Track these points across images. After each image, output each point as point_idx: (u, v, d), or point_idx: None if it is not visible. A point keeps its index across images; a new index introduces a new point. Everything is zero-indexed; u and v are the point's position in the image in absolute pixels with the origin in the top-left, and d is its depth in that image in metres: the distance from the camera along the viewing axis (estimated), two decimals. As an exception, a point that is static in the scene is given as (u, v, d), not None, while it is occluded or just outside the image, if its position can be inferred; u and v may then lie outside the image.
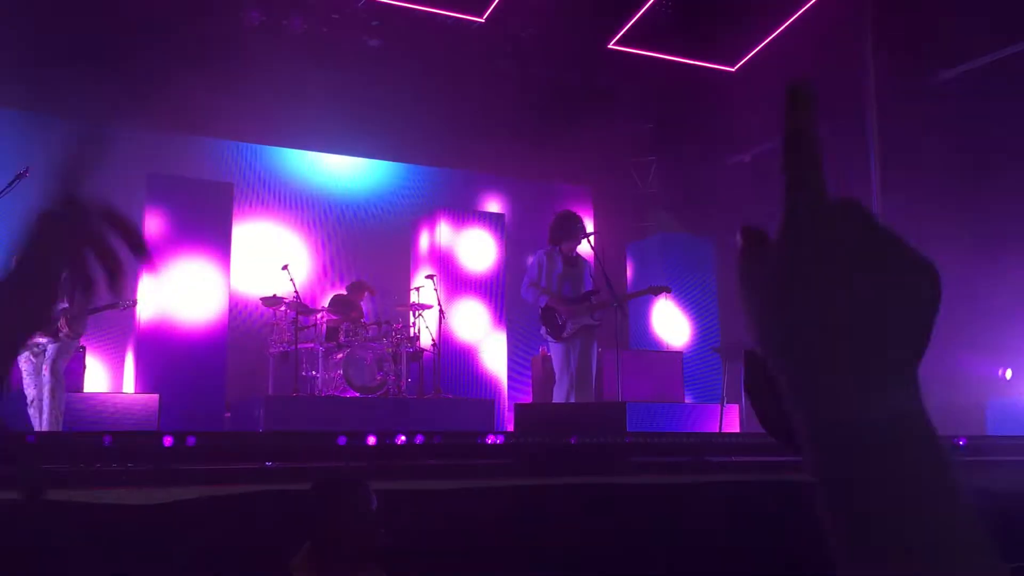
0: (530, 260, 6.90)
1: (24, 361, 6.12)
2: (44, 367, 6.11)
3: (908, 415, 0.51)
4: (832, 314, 0.53)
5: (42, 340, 6.12)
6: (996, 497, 3.99)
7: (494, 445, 4.19)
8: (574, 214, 6.81)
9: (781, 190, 0.60)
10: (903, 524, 0.49)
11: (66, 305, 6.15)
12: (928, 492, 0.49)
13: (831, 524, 0.51)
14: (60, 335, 6.19)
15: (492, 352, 9.96)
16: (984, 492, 4.03)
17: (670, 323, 10.35)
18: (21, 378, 6.20)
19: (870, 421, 0.51)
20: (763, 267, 0.58)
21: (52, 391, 6.08)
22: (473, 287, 10.08)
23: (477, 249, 10.23)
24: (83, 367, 7.91)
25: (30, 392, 6.09)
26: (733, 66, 10.38)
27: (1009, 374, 8.08)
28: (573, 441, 4.15)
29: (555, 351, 6.56)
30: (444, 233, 10.17)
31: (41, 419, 6.06)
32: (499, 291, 10.17)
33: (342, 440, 3.76)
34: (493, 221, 10.57)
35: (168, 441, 3.42)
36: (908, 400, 0.52)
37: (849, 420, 0.51)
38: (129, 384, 8.55)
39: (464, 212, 10.45)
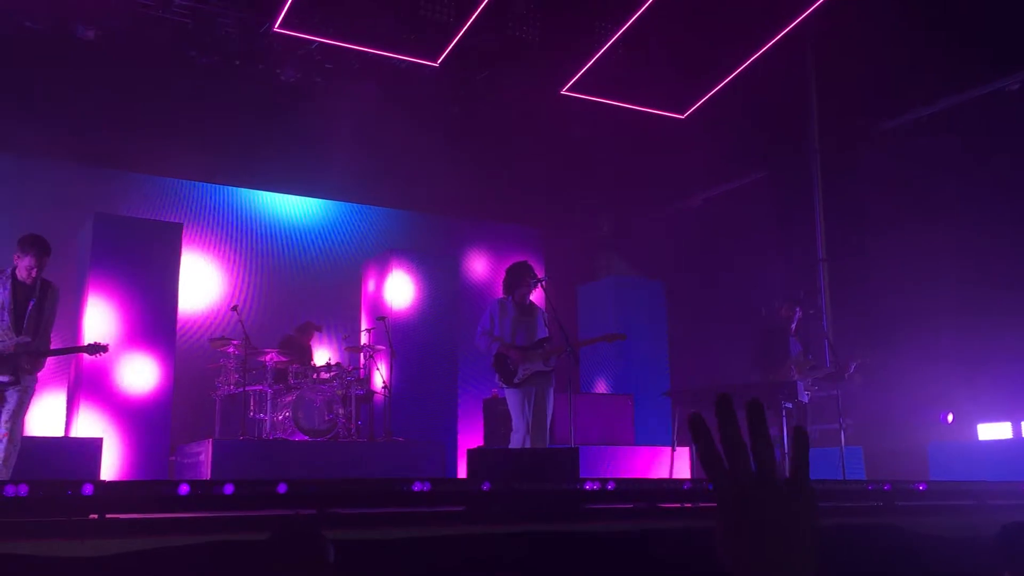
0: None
1: None
2: (4, 420, 5.62)
3: None
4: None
5: (2, 379, 5.64)
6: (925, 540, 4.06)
7: (456, 492, 4.17)
8: (525, 263, 6.89)
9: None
10: None
11: (28, 340, 5.76)
12: None
13: None
14: (20, 372, 5.68)
15: (443, 394, 9.90)
16: (920, 536, 4.10)
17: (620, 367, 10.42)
18: None
19: None
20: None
21: (6, 459, 5.58)
22: (424, 328, 10.03)
23: (428, 290, 10.21)
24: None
25: None
26: (683, 114, 10.60)
27: (951, 418, 8.26)
28: (527, 488, 4.14)
29: (510, 397, 6.57)
30: (395, 274, 10.14)
31: None
32: (451, 332, 10.15)
33: (282, 488, 3.71)
34: (445, 262, 10.57)
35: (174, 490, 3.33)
36: None
37: None
38: (72, 427, 8.33)
39: (415, 253, 10.43)
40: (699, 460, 0.89)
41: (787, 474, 0.89)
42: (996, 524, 3.28)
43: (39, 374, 5.94)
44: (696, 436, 0.88)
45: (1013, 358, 7.82)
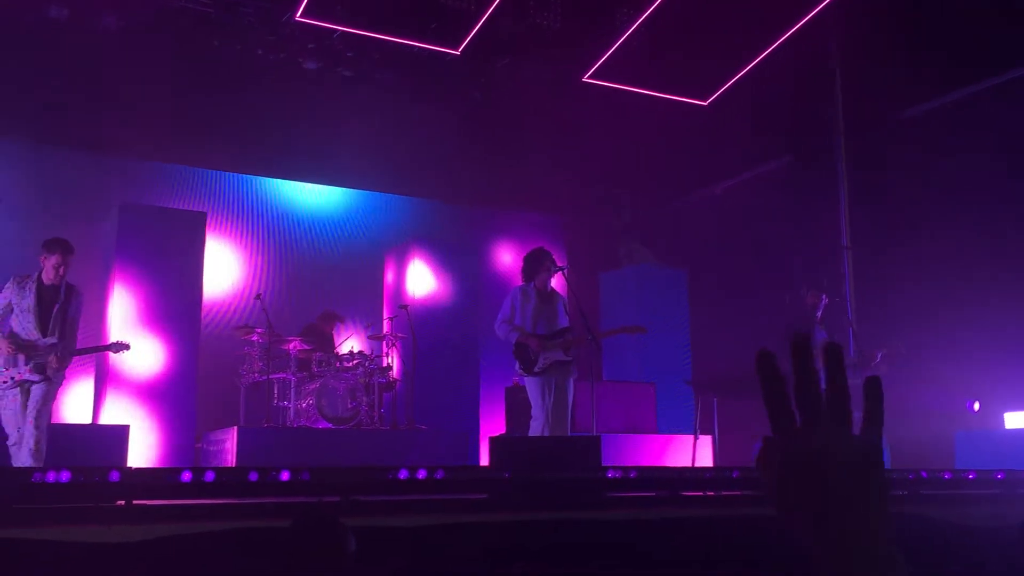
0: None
1: (11, 399, 5.95)
2: (30, 409, 5.90)
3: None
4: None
5: (32, 377, 5.93)
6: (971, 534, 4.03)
7: (477, 479, 4.18)
8: (544, 249, 6.85)
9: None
10: None
11: (55, 341, 6.04)
12: None
13: None
14: (48, 371, 5.99)
15: (465, 383, 9.92)
16: (959, 529, 4.07)
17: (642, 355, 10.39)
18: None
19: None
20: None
21: (36, 443, 5.83)
22: (446, 317, 10.06)
23: (449, 278, 10.23)
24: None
25: (11, 431, 5.89)
26: (705, 101, 10.52)
27: (977, 406, 8.18)
28: (549, 476, 4.14)
29: (531, 386, 6.56)
30: (416, 263, 10.16)
31: (20, 458, 5.82)
32: (472, 320, 10.16)
33: (304, 475, 3.73)
34: (466, 251, 10.58)
35: (187, 477, 3.37)
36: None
37: None
38: (100, 415, 8.43)
39: (436, 242, 10.45)
40: (766, 404, 0.78)
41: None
42: (1023, 514, 3.24)
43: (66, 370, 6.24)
44: (765, 376, 0.78)
45: (1041, 346, 7.73)
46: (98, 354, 8.68)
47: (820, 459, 0.76)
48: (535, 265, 6.72)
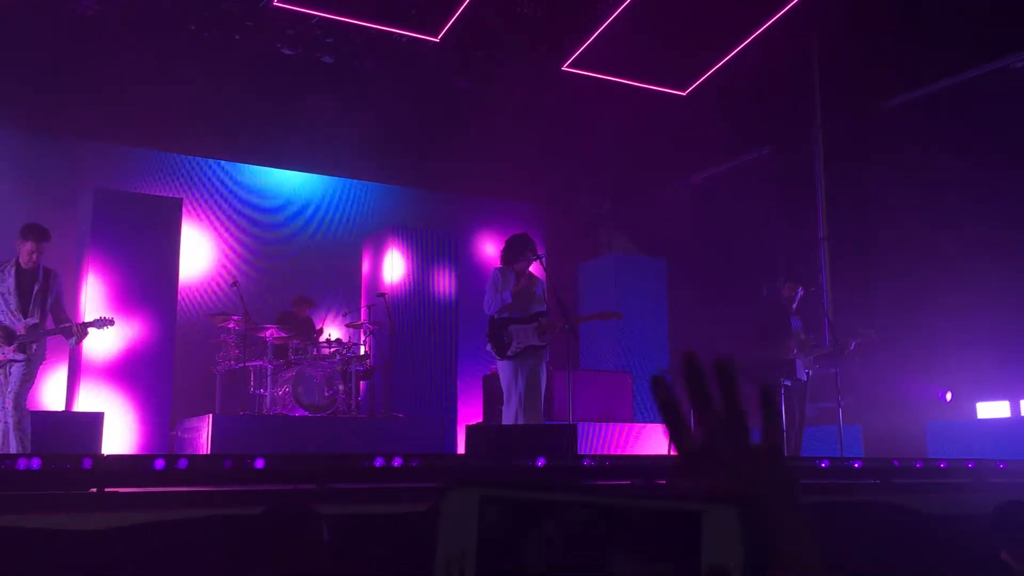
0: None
1: None
2: (10, 390, 6.01)
3: None
4: None
5: (15, 357, 6.05)
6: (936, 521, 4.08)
7: (453, 467, 4.18)
8: (526, 236, 6.87)
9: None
10: None
11: (36, 321, 6.17)
12: None
13: None
14: (28, 352, 6.11)
15: (442, 371, 9.92)
16: (925, 516, 4.12)
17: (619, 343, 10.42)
18: None
19: None
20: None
21: (18, 423, 5.96)
22: (424, 305, 10.04)
23: (428, 267, 10.20)
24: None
25: None
26: (684, 91, 10.53)
27: (949, 396, 8.27)
28: (528, 464, 4.15)
29: (503, 370, 6.57)
30: (394, 251, 10.13)
31: (7, 442, 5.94)
32: (450, 309, 10.15)
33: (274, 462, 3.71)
34: (444, 239, 10.55)
35: (160, 464, 3.35)
36: None
37: None
38: (74, 402, 8.35)
39: (415, 230, 10.41)
40: (666, 427, 0.74)
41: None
42: (993, 503, 3.28)
43: (47, 351, 6.45)
44: (660, 401, 0.74)
45: (1012, 337, 7.82)
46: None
47: (725, 472, 0.74)
48: (517, 250, 6.73)
